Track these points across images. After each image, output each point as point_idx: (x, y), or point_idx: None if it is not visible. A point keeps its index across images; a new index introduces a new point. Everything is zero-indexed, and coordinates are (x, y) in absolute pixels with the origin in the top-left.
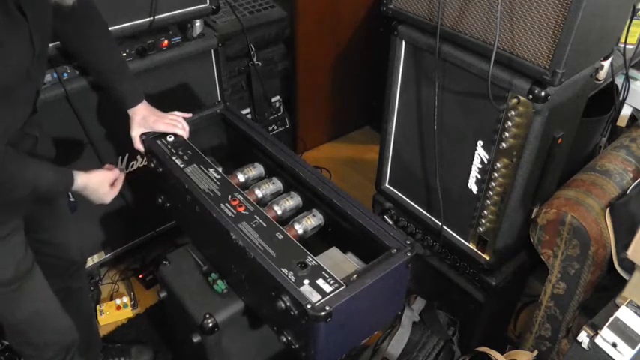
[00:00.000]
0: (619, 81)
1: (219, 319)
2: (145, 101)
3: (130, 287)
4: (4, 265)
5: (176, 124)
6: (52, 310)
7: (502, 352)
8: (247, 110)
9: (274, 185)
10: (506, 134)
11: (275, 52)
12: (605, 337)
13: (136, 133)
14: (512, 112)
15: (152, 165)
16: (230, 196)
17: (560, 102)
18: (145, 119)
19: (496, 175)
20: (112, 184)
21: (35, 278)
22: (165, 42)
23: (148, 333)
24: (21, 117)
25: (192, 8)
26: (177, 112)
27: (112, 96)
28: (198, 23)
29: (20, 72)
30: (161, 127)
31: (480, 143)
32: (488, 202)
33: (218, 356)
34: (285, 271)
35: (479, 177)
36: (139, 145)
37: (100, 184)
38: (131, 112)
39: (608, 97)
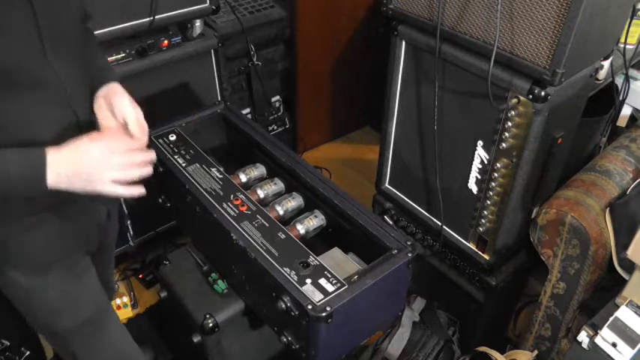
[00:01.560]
0: (619, 81)
1: (220, 319)
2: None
3: (130, 287)
4: (83, 303)
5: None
6: (133, 350)
7: (502, 352)
8: (247, 110)
9: (276, 185)
10: (506, 134)
11: (275, 52)
12: (605, 337)
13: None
14: (512, 112)
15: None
16: (232, 196)
17: (560, 102)
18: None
19: (496, 175)
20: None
21: (113, 316)
22: (166, 42)
23: (147, 333)
24: (56, 121)
25: (192, 8)
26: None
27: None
28: (198, 23)
29: (18, 50)
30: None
31: (480, 143)
32: (488, 202)
33: (218, 356)
34: (287, 270)
35: (479, 177)
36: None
37: (100, 153)
38: None
39: (608, 97)
